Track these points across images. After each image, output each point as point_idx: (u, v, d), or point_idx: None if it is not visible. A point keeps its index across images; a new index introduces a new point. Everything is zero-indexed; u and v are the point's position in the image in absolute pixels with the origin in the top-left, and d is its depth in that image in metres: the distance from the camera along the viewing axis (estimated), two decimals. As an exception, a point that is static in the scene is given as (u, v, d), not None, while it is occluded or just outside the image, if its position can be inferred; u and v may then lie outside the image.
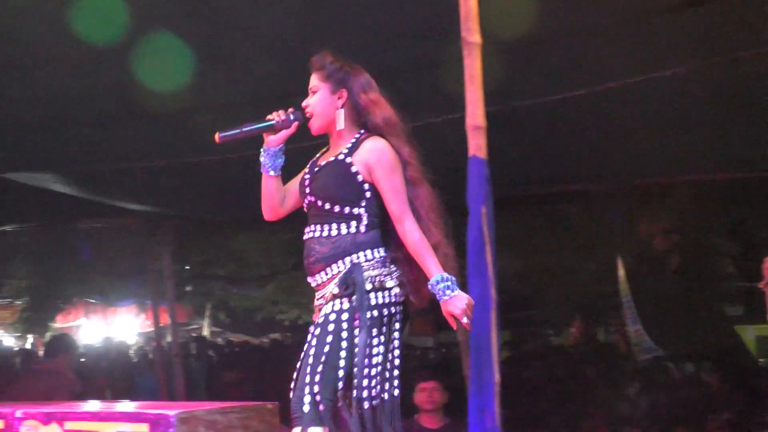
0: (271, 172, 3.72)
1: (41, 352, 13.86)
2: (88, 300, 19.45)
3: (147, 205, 10.32)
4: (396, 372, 3.54)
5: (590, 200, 10.99)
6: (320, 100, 3.66)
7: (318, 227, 3.57)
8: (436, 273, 3.39)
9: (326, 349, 3.42)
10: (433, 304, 3.48)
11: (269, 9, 5.35)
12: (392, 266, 3.54)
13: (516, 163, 7.42)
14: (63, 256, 14.53)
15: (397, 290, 3.53)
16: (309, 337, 3.53)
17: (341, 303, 3.47)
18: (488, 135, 4.17)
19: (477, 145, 4.12)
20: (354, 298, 3.43)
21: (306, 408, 3.37)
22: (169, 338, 11.41)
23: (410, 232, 3.45)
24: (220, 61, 6.26)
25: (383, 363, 3.47)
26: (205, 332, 20.80)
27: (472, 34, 4.20)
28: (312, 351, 3.46)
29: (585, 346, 12.47)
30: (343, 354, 3.41)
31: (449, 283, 3.37)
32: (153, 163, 8.27)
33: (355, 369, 3.39)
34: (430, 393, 6.58)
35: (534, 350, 13.86)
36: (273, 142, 3.67)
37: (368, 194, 3.54)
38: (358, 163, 3.53)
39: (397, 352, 3.54)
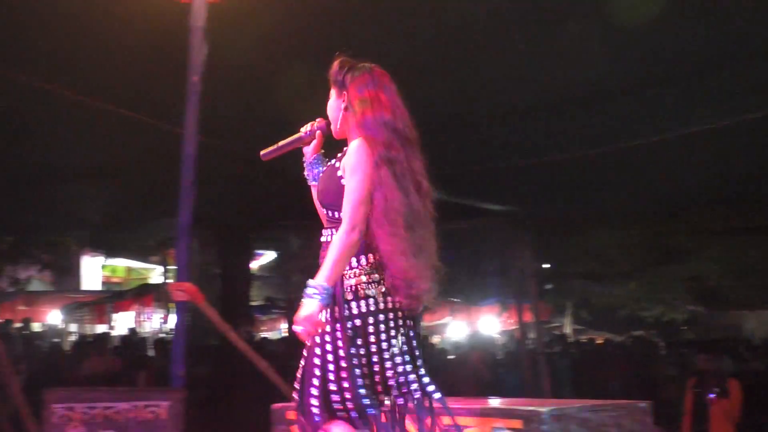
0: (313, 182, 3.69)
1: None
2: (452, 299, 20.12)
3: (507, 204, 10.51)
4: (400, 379, 3.31)
5: None
6: (330, 106, 3.59)
7: (324, 232, 3.47)
8: (320, 278, 3.19)
9: (315, 360, 3.31)
10: None
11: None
12: (378, 273, 3.33)
13: None
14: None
15: (380, 298, 3.32)
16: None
17: (326, 314, 3.30)
18: None
19: None
20: (336, 309, 3.29)
21: (306, 418, 3.32)
22: (532, 336, 11.53)
23: (338, 237, 3.25)
24: (557, 58, 6.30)
25: (373, 373, 3.28)
26: (567, 330, 20.79)
27: None
28: (306, 363, 3.39)
29: None
30: (331, 366, 3.27)
31: (316, 292, 3.16)
32: (513, 164, 8.43)
33: (342, 381, 3.25)
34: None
35: None
36: (308, 153, 3.70)
37: None
38: (342, 166, 3.40)
39: (399, 359, 3.31)
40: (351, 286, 3.31)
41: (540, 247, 12.84)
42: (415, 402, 3.31)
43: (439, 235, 3.37)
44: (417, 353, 3.38)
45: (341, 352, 3.27)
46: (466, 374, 8.39)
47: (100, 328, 18.08)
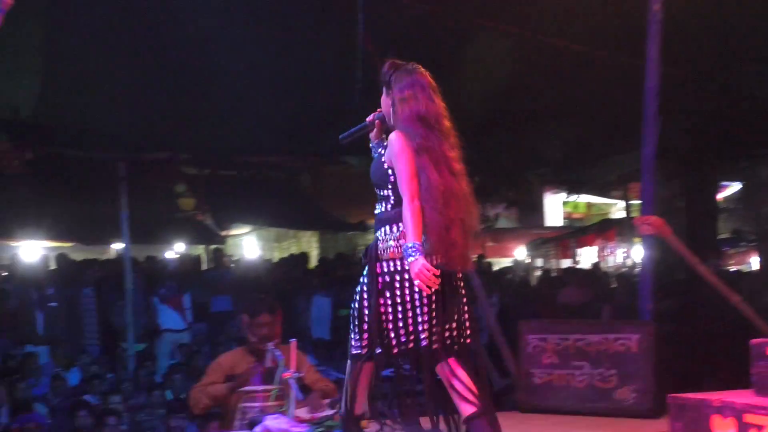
0: None
1: None
2: None
3: None
4: (423, 326, 4.01)
5: None
6: (383, 102, 4.29)
7: (376, 206, 4.25)
8: (410, 240, 3.94)
9: (356, 305, 4.18)
10: None
11: None
12: (404, 239, 4.01)
13: None
14: None
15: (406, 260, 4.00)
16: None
17: (365, 271, 4.16)
18: None
19: None
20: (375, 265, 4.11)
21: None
22: None
23: (404, 208, 4.01)
24: None
25: (397, 320, 4.03)
26: None
27: None
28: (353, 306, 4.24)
29: None
30: (366, 312, 4.11)
31: (412, 250, 3.91)
32: None
33: (369, 325, 4.07)
34: None
35: None
36: (373, 137, 4.44)
37: (392, 178, 4.13)
38: (386, 155, 4.16)
39: (425, 309, 4.01)
40: (383, 249, 4.11)
41: None
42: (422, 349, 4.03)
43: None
44: (440, 305, 4.03)
45: (372, 302, 4.06)
46: None
47: (564, 263, 18.54)
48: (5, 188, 12.66)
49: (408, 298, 4.03)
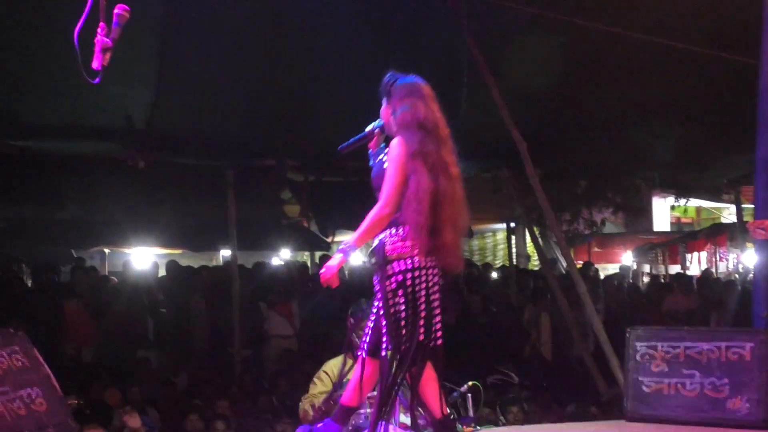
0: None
1: None
2: None
3: None
4: (424, 321, 4.26)
5: None
6: (382, 112, 4.55)
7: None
8: (351, 238, 4.31)
9: (374, 310, 4.35)
10: None
11: None
12: (411, 239, 4.25)
13: None
14: None
15: (415, 258, 4.25)
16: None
17: (376, 275, 4.30)
18: None
19: None
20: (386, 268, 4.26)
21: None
22: None
23: (374, 209, 4.29)
24: None
25: (417, 317, 4.23)
26: None
27: None
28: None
29: None
30: (381, 312, 4.26)
31: (342, 246, 4.29)
32: None
33: (384, 322, 4.24)
34: None
35: None
36: (372, 146, 4.65)
37: None
38: (386, 158, 4.37)
39: (437, 305, 4.30)
40: (393, 250, 4.26)
41: None
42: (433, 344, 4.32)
43: None
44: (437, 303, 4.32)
45: (389, 302, 4.22)
46: None
47: (673, 269, 18.11)
48: (118, 196, 13.02)
49: (423, 295, 4.25)
